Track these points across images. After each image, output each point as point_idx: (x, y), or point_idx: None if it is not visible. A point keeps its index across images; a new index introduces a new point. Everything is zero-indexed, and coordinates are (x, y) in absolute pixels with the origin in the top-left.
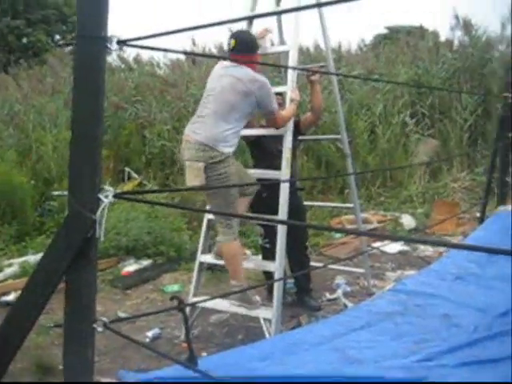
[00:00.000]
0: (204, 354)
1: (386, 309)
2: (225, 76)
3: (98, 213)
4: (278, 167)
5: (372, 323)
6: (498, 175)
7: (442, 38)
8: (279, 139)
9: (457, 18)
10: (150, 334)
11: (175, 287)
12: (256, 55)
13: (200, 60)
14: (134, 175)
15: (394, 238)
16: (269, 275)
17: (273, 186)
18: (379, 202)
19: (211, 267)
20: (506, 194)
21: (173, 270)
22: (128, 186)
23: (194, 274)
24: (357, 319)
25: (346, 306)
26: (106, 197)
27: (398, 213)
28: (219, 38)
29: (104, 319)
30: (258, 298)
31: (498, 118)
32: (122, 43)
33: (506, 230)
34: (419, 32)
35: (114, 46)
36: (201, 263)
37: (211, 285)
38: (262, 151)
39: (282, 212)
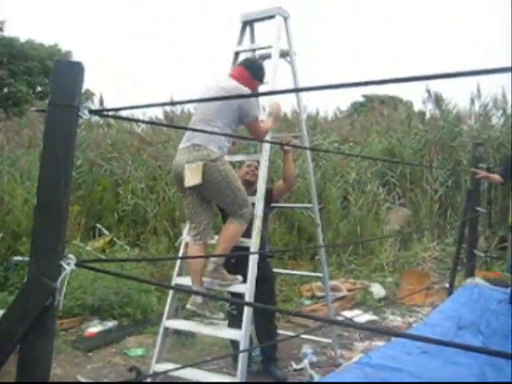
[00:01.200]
0: None
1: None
2: (212, 88)
3: (59, 281)
4: (248, 233)
5: None
6: (467, 247)
7: (416, 108)
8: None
9: (428, 91)
10: None
11: (139, 351)
12: (255, 82)
13: (178, 120)
14: (106, 232)
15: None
16: (235, 343)
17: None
18: (350, 269)
19: (178, 331)
20: (473, 266)
21: (138, 332)
22: (99, 243)
23: (159, 338)
24: None
25: (311, 377)
26: (68, 264)
27: (367, 281)
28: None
29: None
30: (238, 277)
31: (466, 190)
32: (93, 113)
33: (473, 303)
34: (393, 102)
35: (86, 115)
36: (166, 328)
37: (176, 350)
38: None
39: (251, 281)
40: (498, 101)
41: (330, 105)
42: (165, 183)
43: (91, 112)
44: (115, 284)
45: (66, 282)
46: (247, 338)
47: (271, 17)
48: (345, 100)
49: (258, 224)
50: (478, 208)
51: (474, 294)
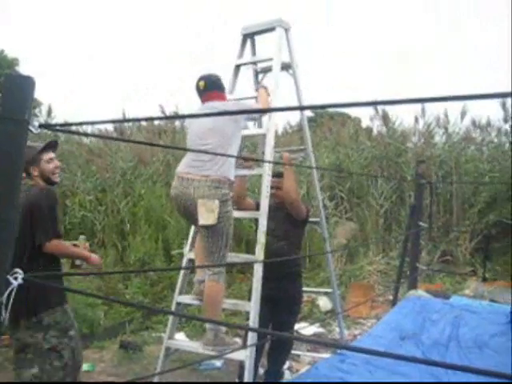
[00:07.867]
0: None
1: None
2: (202, 110)
3: (5, 295)
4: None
5: None
6: (410, 260)
7: (364, 124)
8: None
9: (375, 109)
10: None
11: (85, 366)
12: (224, 94)
13: (128, 132)
14: None
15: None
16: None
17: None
18: None
19: (125, 346)
20: (416, 278)
21: (84, 347)
22: None
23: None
24: None
25: None
26: (16, 279)
27: (314, 294)
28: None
29: None
30: (236, 339)
31: (410, 205)
32: (43, 127)
33: (415, 314)
34: (342, 118)
35: (37, 130)
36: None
37: (123, 365)
38: None
39: (255, 299)
40: (440, 120)
41: (280, 120)
42: (114, 195)
43: (41, 126)
44: None
45: (12, 297)
46: (252, 359)
47: (272, 29)
48: (295, 115)
49: (262, 240)
50: (421, 222)
51: (417, 306)
